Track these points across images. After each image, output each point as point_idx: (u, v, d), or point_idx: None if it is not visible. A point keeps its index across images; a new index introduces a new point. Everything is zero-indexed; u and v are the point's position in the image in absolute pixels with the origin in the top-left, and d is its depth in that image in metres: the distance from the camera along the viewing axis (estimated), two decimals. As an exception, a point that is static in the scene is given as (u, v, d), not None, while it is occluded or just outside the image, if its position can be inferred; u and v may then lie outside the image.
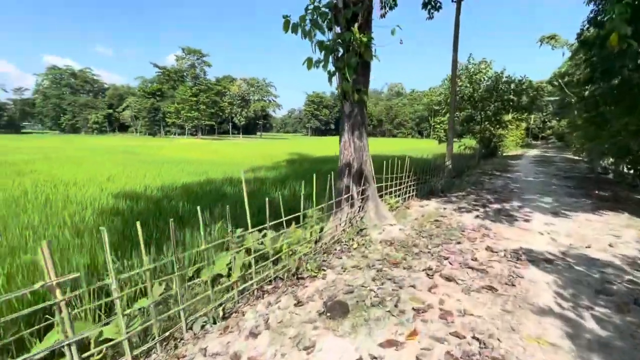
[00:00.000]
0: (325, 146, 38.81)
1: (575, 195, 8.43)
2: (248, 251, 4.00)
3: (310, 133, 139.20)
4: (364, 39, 5.06)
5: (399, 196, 7.64)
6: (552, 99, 34.72)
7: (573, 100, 27.54)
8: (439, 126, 60.96)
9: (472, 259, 4.13)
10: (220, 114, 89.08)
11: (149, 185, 9.47)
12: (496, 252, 4.37)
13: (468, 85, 20.94)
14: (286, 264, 3.83)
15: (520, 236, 5.07)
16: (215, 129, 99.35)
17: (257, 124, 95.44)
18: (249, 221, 3.47)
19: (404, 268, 3.91)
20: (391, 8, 10.13)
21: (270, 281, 3.75)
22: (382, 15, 10.46)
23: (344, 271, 3.91)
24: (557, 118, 50.30)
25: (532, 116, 52.59)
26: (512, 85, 20.19)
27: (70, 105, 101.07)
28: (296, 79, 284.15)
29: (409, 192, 8.20)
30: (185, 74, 65.36)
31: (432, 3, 10.37)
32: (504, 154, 27.24)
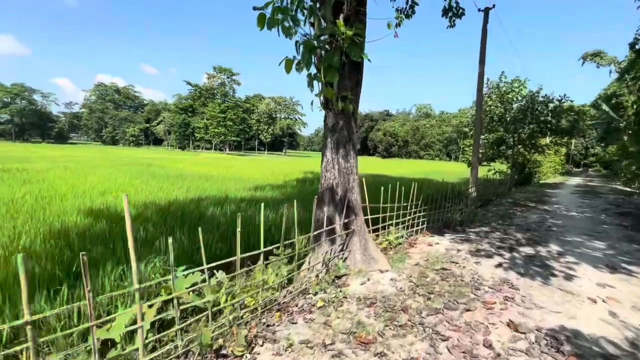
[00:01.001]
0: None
1: (637, 239, 6.59)
2: (176, 301, 2.90)
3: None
4: (349, 33, 3.97)
5: (404, 228, 6.28)
6: (596, 122, 31.63)
7: (622, 124, 24.76)
8: (468, 149, 58.39)
9: (485, 345, 2.73)
10: (248, 130, 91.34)
11: (133, 202, 8.76)
12: (523, 332, 2.93)
13: (499, 105, 19.23)
14: (202, 332, 2.65)
15: (560, 303, 3.55)
16: (242, 145, 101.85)
17: (283, 142, 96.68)
18: (133, 260, 2.34)
19: (376, 354, 2.59)
20: (408, 17, 9.09)
21: (177, 358, 2.58)
22: (397, 25, 9.46)
23: (286, 349, 2.66)
24: (602, 144, 46.16)
25: (574, 141, 48.73)
26: (550, 106, 18.22)
27: (112, 118, 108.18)
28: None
29: (419, 225, 6.80)
30: (215, 91, 67.86)
31: (454, 10, 9.20)
32: (541, 182, 24.66)
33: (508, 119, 19.08)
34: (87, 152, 43.97)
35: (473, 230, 7.09)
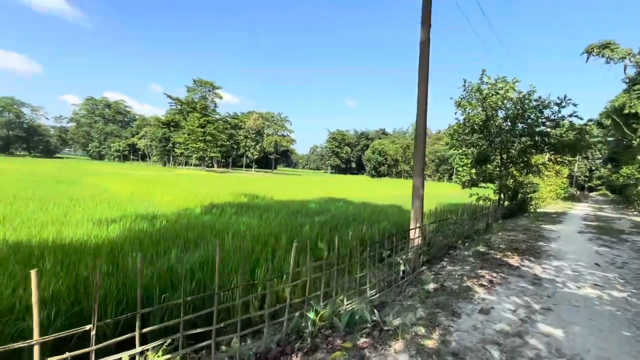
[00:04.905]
0: (318, 185, 33.10)
1: None
2: None
3: (330, 170, 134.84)
4: None
5: None
6: (602, 139, 27.25)
7: (636, 141, 20.21)
8: (461, 168, 53.67)
9: None
10: (235, 146, 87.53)
11: None
12: None
13: (480, 111, 14.94)
14: None
15: None
16: (230, 162, 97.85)
17: (271, 158, 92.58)
18: None
19: None
20: None
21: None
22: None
23: None
24: (609, 165, 41.56)
25: (577, 162, 44.21)
26: (546, 112, 13.90)
27: (98, 133, 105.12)
28: (321, 116, 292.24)
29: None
30: (196, 105, 64.55)
31: None
32: (538, 209, 19.98)
33: (492, 130, 14.74)
34: (38, 167, 39.76)
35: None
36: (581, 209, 23.45)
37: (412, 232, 6.84)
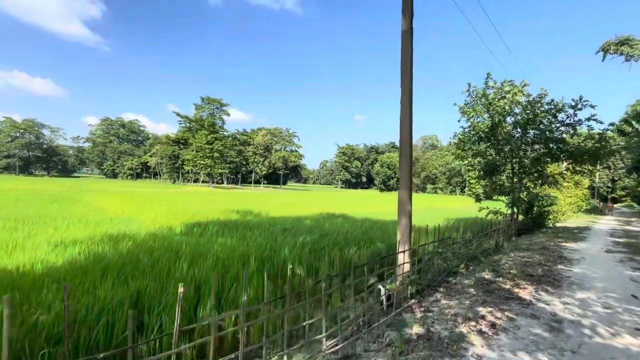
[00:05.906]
0: (323, 200, 31.88)
1: None
2: None
3: (341, 185, 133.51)
4: None
5: None
6: (628, 144, 25.35)
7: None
8: (474, 181, 51.70)
9: None
10: (244, 163, 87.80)
11: None
12: None
13: (487, 118, 13.75)
14: None
15: None
16: (240, 178, 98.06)
17: (280, 174, 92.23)
18: None
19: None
20: None
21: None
22: None
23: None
24: (634, 174, 39.08)
25: (598, 171, 41.77)
26: (561, 116, 12.58)
27: (112, 152, 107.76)
28: (332, 131, 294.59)
29: None
30: (204, 122, 65.35)
31: None
32: (557, 224, 18.23)
33: (499, 136, 13.48)
34: (48, 185, 40.16)
35: None
36: (606, 222, 21.44)
37: (401, 256, 5.67)
